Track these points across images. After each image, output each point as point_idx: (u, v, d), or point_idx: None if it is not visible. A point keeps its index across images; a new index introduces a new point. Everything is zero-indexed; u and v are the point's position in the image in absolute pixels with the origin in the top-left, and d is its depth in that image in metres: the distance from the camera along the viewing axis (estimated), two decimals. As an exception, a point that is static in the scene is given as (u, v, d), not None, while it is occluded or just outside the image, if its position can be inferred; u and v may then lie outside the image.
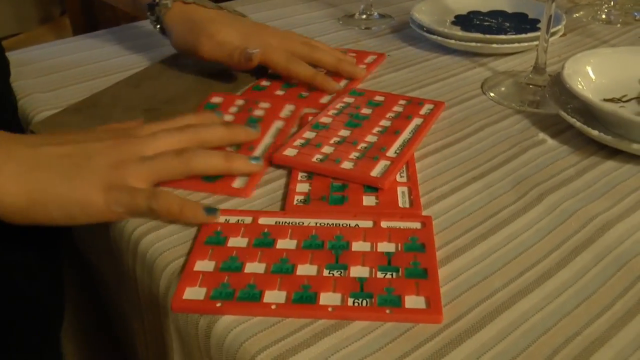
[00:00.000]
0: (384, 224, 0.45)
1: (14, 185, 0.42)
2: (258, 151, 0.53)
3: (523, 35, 0.74)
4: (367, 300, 0.39)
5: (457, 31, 0.77)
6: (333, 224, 0.45)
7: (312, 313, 0.38)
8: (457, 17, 0.84)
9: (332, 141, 0.54)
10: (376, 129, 0.56)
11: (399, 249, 0.43)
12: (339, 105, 0.61)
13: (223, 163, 0.49)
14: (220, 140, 0.51)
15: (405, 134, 0.55)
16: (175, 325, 0.41)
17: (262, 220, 0.46)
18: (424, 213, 0.47)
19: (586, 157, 0.55)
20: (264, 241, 0.44)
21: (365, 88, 0.67)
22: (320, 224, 0.45)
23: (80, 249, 0.62)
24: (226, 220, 0.46)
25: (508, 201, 0.49)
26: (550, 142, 0.57)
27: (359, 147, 0.53)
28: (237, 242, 0.44)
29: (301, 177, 0.51)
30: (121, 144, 0.46)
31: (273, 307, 0.38)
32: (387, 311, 0.38)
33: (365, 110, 0.59)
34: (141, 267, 0.45)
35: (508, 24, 0.80)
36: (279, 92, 0.64)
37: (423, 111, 0.60)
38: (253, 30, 0.67)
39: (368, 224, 0.45)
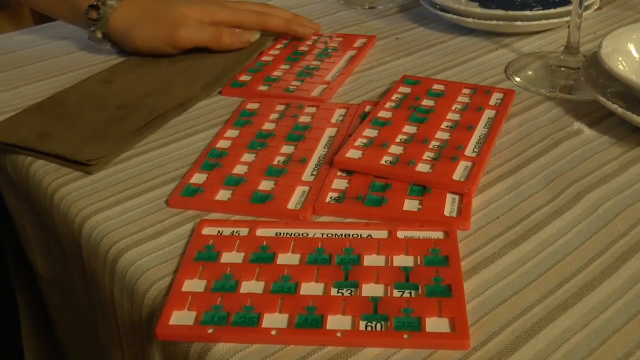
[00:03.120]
0: (400, 234, 0.45)
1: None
2: (312, 163, 0.52)
3: (551, 11, 0.74)
4: (382, 323, 0.38)
5: (475, 8, 0.76)
6: (342, 235, 0.45)
7: (319, 339, 0.37)
8: (475, -9, 0.83)
9: (398, 139, 0.54)
10: (445, 124, 0.56)
11: (418, 262, 0.42)
12: (395, 97, 0.61)
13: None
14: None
15: (480, 129, 0.56)
16: (161, 354, 0.41)
17: (260, 232, 0.45)
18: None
19: (631, 149, 0.54)
20: (262, 256, 0.43)
21: (376, 74, 0.67)
22: (327, 234, 0.45)
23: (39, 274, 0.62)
24: (219, 232, 0.46)
25: (541, 202, 0.48)
26: (588, 132, 0.57)
27: (431, 146, 0.53)
28: (231, 257, 0.43)
29: (341, 172, 0.51)
30: None
31: (273, 332, 0.37)
32: (405, 336, 0.37)
33: (427, 102, 0.60)
34: (120, 289, 0.45)
35: (534, -2, 0.80)
36: (262, 88, 0.64)
37: (492, 101, 0.60)
38: (208, 1, 0.73)
39: (382, 234, 0.45)
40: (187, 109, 0.62)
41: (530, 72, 0.67)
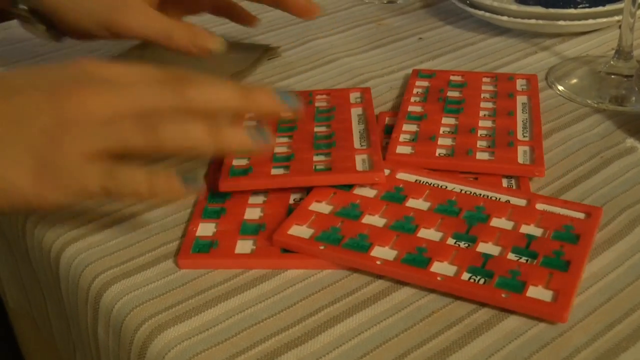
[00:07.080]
0: (539, 206, 0.50)
1: None
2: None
3: (600, 9, 0.74)
4: (485, 279, 0.44)
5: (511, 4, 0.78)
6: (479, 194, 0.52)
7: (418, 277, 0.44)
8: (511, -15, 0.85)
9: (443, 131, 0.59)
10: (484, 112, 0.62)
11: (546, 235, 0.48)
12: (416, 91, 0.66)
13: (206, 136, 0.45)
14: (224, 108, 0.48)
15: (521, 114, 0.61)
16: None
17: (400, 175, 0.54)
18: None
19: (693, 170, 0.55)
20: (394, 195, 0.52)
21: (396, 81, 0.68)
22: (465, 191, 0.52)
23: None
24: None
25: (589, 230, 0.49)
26: (643, 150, 0.58)
27: (479, 134, 0.58)
28: (364, 191, 0.52)
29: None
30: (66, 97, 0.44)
31: (378, 262, 0.45)
32: (503, 295, 0.42)
33: (453, 93, 0.65)
34: (105, 327, 0.45)
35: (579, -7, 0.81)
36: (277, 171, 0.54)
37: (519, 87, 0.66)
38: None
39: (520, 202, 0.51)
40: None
41: (575, 80, 0.68)
